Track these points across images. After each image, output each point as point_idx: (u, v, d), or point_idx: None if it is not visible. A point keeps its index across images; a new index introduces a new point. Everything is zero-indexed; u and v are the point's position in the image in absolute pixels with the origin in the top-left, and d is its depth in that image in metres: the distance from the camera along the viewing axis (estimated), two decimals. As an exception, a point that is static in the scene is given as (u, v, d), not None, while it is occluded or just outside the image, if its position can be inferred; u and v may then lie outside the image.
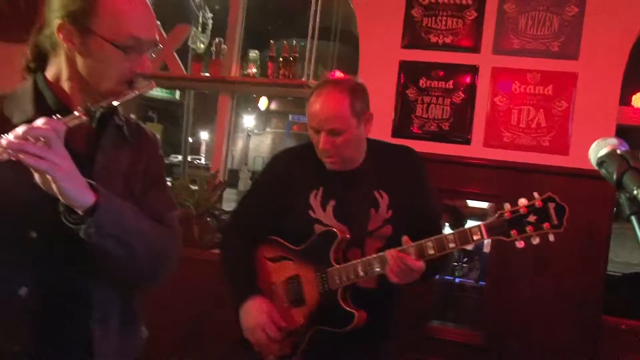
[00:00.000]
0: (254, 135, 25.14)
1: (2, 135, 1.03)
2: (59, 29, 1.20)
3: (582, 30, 2.76)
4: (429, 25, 3.00)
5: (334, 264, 1.85)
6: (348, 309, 1.83)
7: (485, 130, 2.90)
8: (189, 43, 3.82)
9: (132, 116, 1.44)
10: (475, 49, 2.93)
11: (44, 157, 1.02)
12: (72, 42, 1.20)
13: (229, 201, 3.68)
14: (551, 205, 1.60)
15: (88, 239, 1.12)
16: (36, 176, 1.06)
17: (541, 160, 2.80)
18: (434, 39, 3.00)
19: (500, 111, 2.88)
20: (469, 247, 1.77)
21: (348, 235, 1.88)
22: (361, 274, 1.81)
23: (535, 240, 1.62)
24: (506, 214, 1.65)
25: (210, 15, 4.04)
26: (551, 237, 1.61)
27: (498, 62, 2.90)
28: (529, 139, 2.83)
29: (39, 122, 1.05)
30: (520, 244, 1.63)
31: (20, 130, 1.03)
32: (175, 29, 3.60)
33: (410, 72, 3.02)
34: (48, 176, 1.04)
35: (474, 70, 2.92)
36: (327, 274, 1.87)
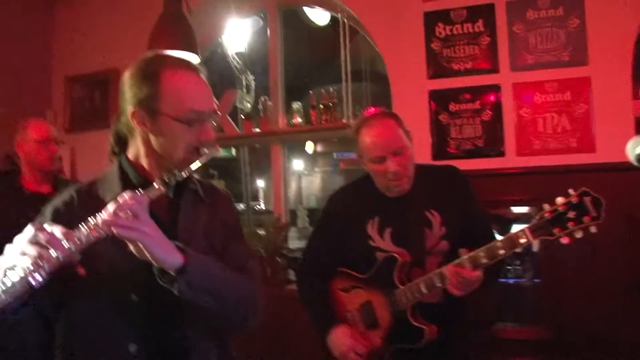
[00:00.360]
0: (304, 176, 25.67)
1: (97, 214, 1.15)
2: (132, 115, 1.33)
3: (586, 38, 2.96)
4: (449, 55, 3.27)
5: (399, 285, 1.95)
6: (418, 325, 1.92)
7: (516, 141, 3.09)
8: (237, 104, 4.20)
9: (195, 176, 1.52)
10: (494, 69, 3.16)
11: (134, 228, 1.13)
12: (144, 125, 1.33)
13: (291, 239, 3.98)
14: (587, 199, 1.65)
15: (182, 296, 1.21)
16: (130, 246, 1.17)
17: (572, 160, 2.95)
18: (455, 67, 3.25)
19: (527, 121, 3.07)
20: (518, 250, 1.88)
21: (408, 258, 1.97)
22: (424, 291, 1.89)
23: (579, 234, 1.66)
24: (547, 214, 1.70)
25: (252, 77, 4.42)
26: (593, 229, 1.65)
27: (517, 78, 3.11)
28: (557, 142, 3.00)
29: (126, 197, 1.17)
30: (565, 240, 1.68)
31: (110, 208, 1.14)
32: (225, 94, 3.96)
33: (439, 100, 3.27)
34: (140, 244, 1.15)
35: (496, 88, 3.15)
36: (394, 295, 1.96)
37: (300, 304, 3.37)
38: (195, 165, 1.31)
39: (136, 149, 1.40)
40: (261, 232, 3.74)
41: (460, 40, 3.26)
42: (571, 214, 1.67)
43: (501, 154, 3.13)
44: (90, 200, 1.36)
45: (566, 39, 3.01)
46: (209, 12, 4.10)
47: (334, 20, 4.19)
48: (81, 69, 4.40)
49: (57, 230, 1.10)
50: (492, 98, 3.17)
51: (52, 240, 1.08)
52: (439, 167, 2.23)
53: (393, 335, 1.99)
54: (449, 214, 2.00)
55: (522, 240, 1.74)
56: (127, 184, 1.35)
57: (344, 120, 3.63)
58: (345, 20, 3.67)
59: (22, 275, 1.03)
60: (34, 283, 1.02)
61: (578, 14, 2.98)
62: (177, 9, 3.47)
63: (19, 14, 4.33)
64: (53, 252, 1.07)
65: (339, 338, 2.01)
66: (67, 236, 1.10)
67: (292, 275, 3.80)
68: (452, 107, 3.25)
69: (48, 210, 1.36)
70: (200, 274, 1.24)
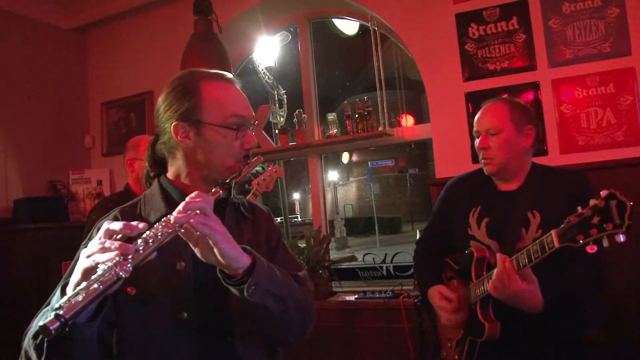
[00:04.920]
0: (339, 186, 25.89)
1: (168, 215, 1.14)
2: (175, 129, 1.33)
3: (628, 27, 2.85)
4: (484, 55, 3.21)
5: (474, 280, 1.98)
6: (481, 320, 1.91)
7: (559, 139, 3.01)
8: (270, 119, 4.23)
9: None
10: (531, 67, 3.09)
11: (206, 224, 1.12)
12: (188, 138, 1.34)
13: (330, 249, 3.98)
14: (613, 203, 1.47)
15: (250, 297, 1.18)
16: (197, 251, 1.17)
17: (619, 155, 2.84)
18: (491, 67, 3.20)
19: (569, 118, 2.99)
20: (548, 253, 1.65)
21: (485, 254, 1.96)
22: (486, 287, 1.87)
23: (605, 243, 1.47)
24: (573, 218, 1.55)
25: (283, 91, 4.44)
26: (618, 238, 1.45)
27: (556, 74, 3.02)
28: (602, 137, 2.90)
29: (192, 197, 1.16)
30: (591, 249, 1.50)
31: (180, 207, 1.14)
32: (259, 109, 3.95)
33: (476, 101, 3.16)
34: (210, 241, 1.13)
35: (535, 86, 3.08)
36: (469, 289, 2.01)
37: (342, 316, 3.39)
38: (249, 170, 1.35)
39: (177, 168, 1.41)
40: (302, 244, 3.72)
41: (495, 39, 3.20)
42: (595, 220, 1.49)
43: (544, 152, 3.04)
44: (133, 220, 1.36)
45: (606, 30, 2.91)
46: (239, 29, 4.14)
47: (362, 28, 4.17)
48: (116, 94, 4.50)
49: (133, 224, 1.09)
50: (530, 96, 3.10)
51: (129, 227, 1.07)
52: (562, 171, 2.15)
53: (467, 327, 2.03)
54: (549, 217, 1.87)
55: (551, 246, 1.62)
56: (170, 202, 1.36)
57: (380, 129, 3.59)
58: (376, 28, 3.64)
59: (111, 265, 1.01)
60: (122, 274, 1.00)
61: (618, 3, 2.88)
62: (208, 29, 3.50)
63: (54, 47, 4.46)
64: (134, 245, 1.06)
65: (432, 297, 2.14)
66: (143, 228, 1.09)
67: (335, 287, 3.79)
68: (490, 108, 3.17)
69: (94, 232, 1.36)
70: (266, 275, 1.23)
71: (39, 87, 4.27)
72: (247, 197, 2.97)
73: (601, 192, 1.52)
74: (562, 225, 1.59)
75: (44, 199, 4.05)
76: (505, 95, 3.09)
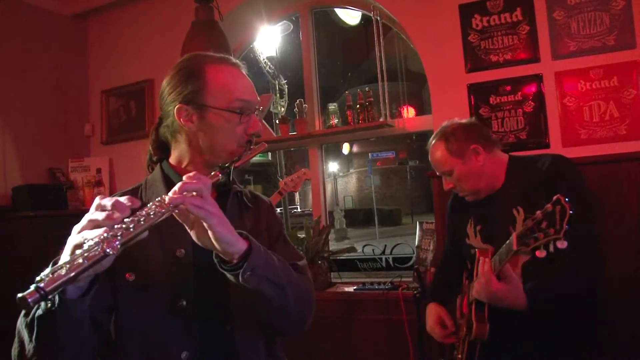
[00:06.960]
0: (339, 177, 25.93)
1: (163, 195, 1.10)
2: (178, 112, 1.32)
3: (633, 19, 2.82)
4: (487, 47, 3.19)
5: (475, 278, 1.96)
6: (472, 319, 1.92)
7: (562, 132, 2.98)
8: (271, 109, 4.22)
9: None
10: (535, 59, 3.06)
11: (201, 206, 1.08)
12: (191, 122, 1.32)
13: (330, 240, 3.98)
14: (557, 209, 1.44)
15: (245, 283, 1.16)
16: (192, 233, 1.14)
17: (622, 148, 2.81)
18: (494, 59, 3.17)
19: (572, 111, 2.96)
20: (512, 255, 1.64)
21: (485, 256, 1.90)
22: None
23: (552, 248, 1.45)
24: (529, 222, 1.53)
25: (284, 81, 4.42)
26: (560, 244, 1.42)
27: (559, 67, 2.99)
28: (605, 131, 2.88)
29: (189, 178, 1.13)
30: (540, 254, 1.48)
31: (176, 187, 1.10)
32: (260, 98, 3.96)
33: (479, 93, 3.19)
34: (205, 224, 1.10)
35: (538, 78, 3.05)
36: (470, 288, 2.04)
37: (341, 307, 3.46)
38: (251, 156, 1.34)
39: (179, 153, 1.40)
40: (301, 235, 3.71)
41: (498, 30, 3.17)
42: (544, 224, 1.47)
43: (546, 145, 3.02)
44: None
45: (610, 22, 2.88)
46: (240, 18, 4.11)
47: (365, 19, 4.15)
48: (116, 82, 4.47)
49: (123, 199, 1.05)
50: (533, 89, 3.07)
51: (119, 206, 1.03)
52: (537, 158, 2.08)
53: (466, 326, 2.07)
54: (533, 211, 1.82)
55: (511, 248, 1.61)
56: (171, 189, 1.34)
57: (382, 119, 3.57)
58: (379, 19, 3.61)
59: (98, 241, 0.95)
60: (109, 251, 0.94)
61: (623, -5, 2.85)
62: (209, 16, 3.47)
63: (54, 33, 4.43)
64: (124, 222, 1.00)
65: (427, 314, 2.29)
66: (133, 203, 1.05)
67: (334, 278, 3.79)
68: (492, 99, 3.16)
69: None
70: (263, 260, 1.20)
71: (39, 75, 4.24)
72: (273, 196, 3.17)
73: (553, 197, 1.48)
74: (521, 228, 1.57)
75: (43, 186, 4.02)
76: (508, 87, 3.11)
